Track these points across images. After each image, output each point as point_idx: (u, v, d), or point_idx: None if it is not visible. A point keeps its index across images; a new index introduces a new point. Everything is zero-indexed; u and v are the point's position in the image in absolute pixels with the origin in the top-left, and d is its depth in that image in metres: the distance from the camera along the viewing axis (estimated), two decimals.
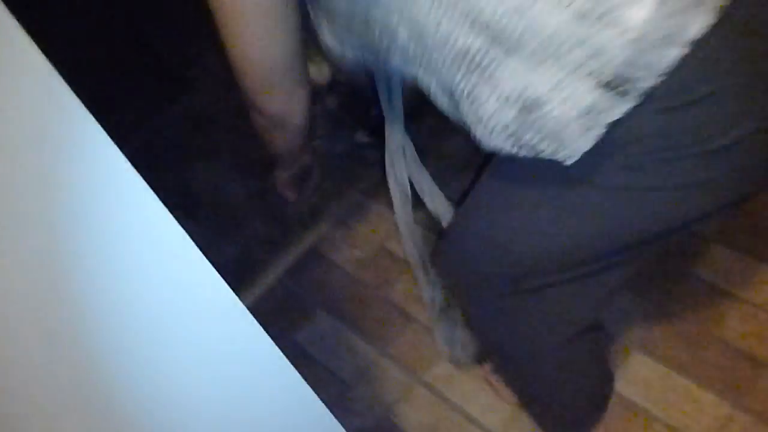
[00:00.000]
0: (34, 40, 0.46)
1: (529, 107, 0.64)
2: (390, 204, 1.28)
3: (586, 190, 0.75)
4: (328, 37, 0.81)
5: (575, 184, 0.75)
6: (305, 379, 0.70)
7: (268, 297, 1.77)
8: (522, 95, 0.63)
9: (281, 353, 0.71)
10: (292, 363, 1.65)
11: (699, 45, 0.59)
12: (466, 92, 0.67)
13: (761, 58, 0.64)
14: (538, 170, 0.76)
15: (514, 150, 0.69)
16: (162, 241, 0.56)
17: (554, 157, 0.67)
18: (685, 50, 0.59)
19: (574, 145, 0.65)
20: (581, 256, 0.84)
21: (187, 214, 2.01)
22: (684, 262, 1.53)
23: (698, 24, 0.58)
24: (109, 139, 0.49)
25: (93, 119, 0.48)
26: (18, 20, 0.46)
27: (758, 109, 0.67)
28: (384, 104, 1.09)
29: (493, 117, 0.67)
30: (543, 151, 0.67)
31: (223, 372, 0.66)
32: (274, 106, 0.90)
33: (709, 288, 1.47)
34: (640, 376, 1.38)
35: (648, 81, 0.60)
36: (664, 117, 0.65)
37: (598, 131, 0.64)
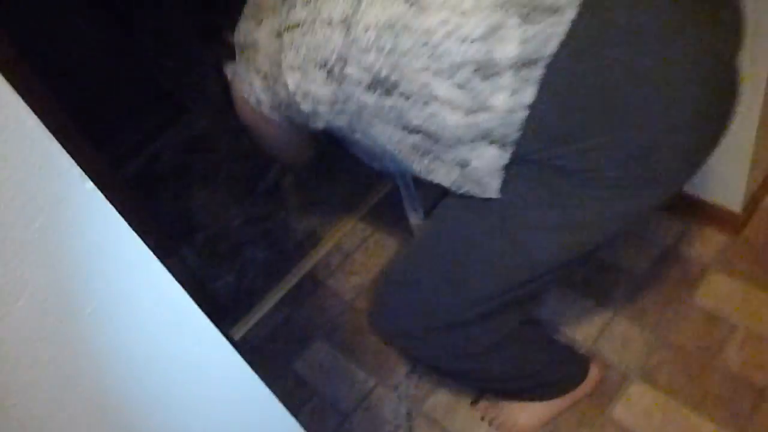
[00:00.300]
0: (38, 65, 0.46)
1: (463, 167, 0.91)
2: (388, 231, 1.28)
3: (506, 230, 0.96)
4: (363, 157, 1.16)
5: (495, 226, 0.97)
6: (303, 409, 0.70)
7: (265, 324, 1.76)
8: (457, 161, 0.91)
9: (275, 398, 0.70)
10: (290, 392, 1.65)
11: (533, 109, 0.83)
12: (422, 169, 0.97)
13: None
14: (468, 221, 1.00)
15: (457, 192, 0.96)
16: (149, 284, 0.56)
17: (482, 196, 0.93)
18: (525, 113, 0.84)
19: (492, 185, 0.91)
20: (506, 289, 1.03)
21: (184, 239, 2.02)
22: (684, 290, 1.52)
23: (529, 94, 0.82)
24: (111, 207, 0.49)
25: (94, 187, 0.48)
26: (20, 49, 0.46)
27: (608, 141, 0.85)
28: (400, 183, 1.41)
29: (445, 178, 0.95)
30: (474, 192, 0.93)
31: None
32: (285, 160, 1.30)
33: (708, 316, 1.47)
34: (640, 405, 1.37)
35: (514, 135, 0.85)
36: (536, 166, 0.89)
37: (500, 175, 0.90)
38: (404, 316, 1.14)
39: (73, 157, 0.47)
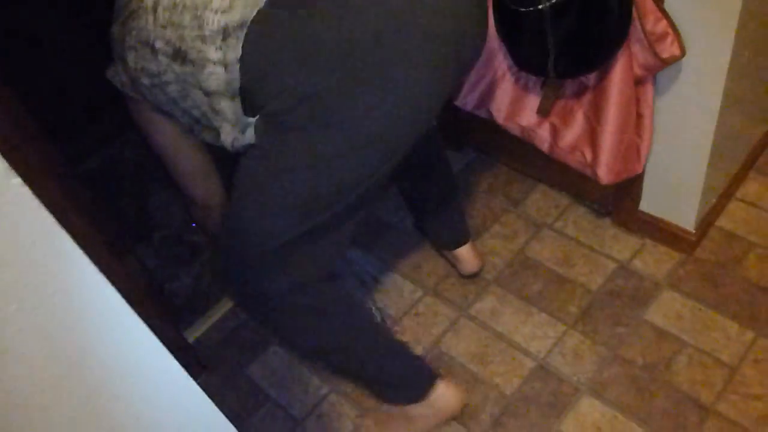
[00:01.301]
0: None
1: (230, 122, 1.10)
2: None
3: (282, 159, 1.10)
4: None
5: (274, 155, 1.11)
6: (256, 414, 0.68)
7: (221, 327, 1.74)
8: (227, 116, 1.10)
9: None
10: (243, 397, 1.63)
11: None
12: (222, 135, 1.13)
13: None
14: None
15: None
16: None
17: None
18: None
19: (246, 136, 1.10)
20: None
21: (142, 238, 1.99)
22: (636, 306, 1.55)
23: (239, 50, 1.00)
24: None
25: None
26: None
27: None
28: None
29: (227, 137, 1.12)
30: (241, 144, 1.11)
31: None
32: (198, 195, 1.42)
33: (659, 333, 1.50)
34: (589, 419, 1.39)
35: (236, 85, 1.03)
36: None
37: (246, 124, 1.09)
38: (238, 256, 1.23)
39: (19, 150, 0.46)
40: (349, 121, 1.04)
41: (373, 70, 1.00)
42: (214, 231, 1.47)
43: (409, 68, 1.02)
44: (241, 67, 1.01)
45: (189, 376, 0.69)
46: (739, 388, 1.38)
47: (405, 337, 1.61)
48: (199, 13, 1.01)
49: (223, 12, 1.00)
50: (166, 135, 1.30)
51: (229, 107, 1.07)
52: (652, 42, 1.23)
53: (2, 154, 0.50)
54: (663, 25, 1.23)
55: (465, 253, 1.65)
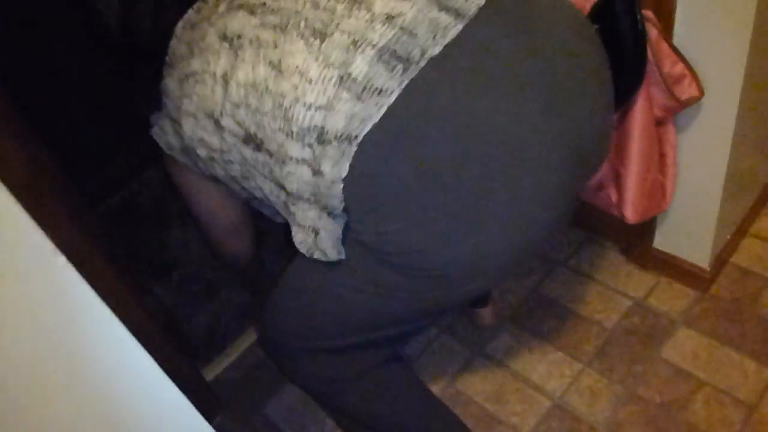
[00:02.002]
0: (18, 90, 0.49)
1: (316, 233, 0.95)
2: None
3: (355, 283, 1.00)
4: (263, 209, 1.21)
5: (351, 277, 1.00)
6: None
7: (238, 366, 1.76)
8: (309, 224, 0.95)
9: None
10: None
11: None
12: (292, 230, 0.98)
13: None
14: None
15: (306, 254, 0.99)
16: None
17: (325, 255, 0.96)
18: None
19: (331, 253, 0.95)
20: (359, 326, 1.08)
21: (161, 276, 2.02)
22: (652, 344, 1.55)
23: (345, 168, 0.84)
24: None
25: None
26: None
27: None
28: None
29: (302, 244, 0.98)
30: (321, 253, 0.97)
31: None
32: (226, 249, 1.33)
33: (675, 371, 1.49)
34: None
35: (339, 207, 0.89)
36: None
37: (338, 244, 0.95)
38: (280, 336, 1.18)
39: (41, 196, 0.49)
40: (448, 256, 0.90)
41: (481, 212, 0.87)
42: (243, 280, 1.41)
43: (523, 205, 0.89)
44: (345, 188, 0.86)
45: (204, 419, 0.71)
46: (757, 427, 1.37)
47: (420, 376, 1.61)
48: (286, 104, 0.85)
49: (319, 109, 0.83)
50: (211, 197, 1.19)
51: (309, 216, 0.93)
52: (670, 84, 1.25)
53: (25, 204, 0.53)
54: (680, 67, 1.26)
55: (484, 311, 1.66)
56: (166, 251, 2.11)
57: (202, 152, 1.01)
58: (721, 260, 1.63)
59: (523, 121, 0.85)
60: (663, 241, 1.63)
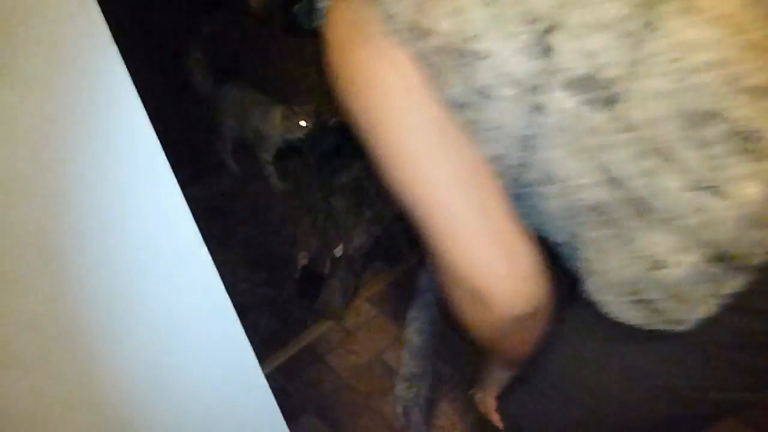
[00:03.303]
0: None
1: (652, 266, 0.63)
2: (393, 315, 1.30)
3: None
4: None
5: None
6: None
7: None
8: (648, 254, 0.63)
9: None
10: None
11: None
12: (591, 242, 0.66)
13: None
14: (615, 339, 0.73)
15: (624, 308, 0.67)
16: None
17: (670, 319, 0.65)
18: None
19: (692, 310, 0.64)
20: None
21: None
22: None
23: None
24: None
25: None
26: None
27: None
28: None
29: (615, 271, 0.66)
30: (663, 310, 0.65)
31: None
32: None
33: None
34: None
35: (760, 257, 0.60)
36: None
37: (715, 301, 0.63)
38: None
39: None
40: None
41: None
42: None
43: None
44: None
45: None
46: None
47: (440, 422, 1.60)
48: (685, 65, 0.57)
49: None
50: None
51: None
52: None
53: None
54: None
55: None
56: None
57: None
58: None
59: None
60: None
